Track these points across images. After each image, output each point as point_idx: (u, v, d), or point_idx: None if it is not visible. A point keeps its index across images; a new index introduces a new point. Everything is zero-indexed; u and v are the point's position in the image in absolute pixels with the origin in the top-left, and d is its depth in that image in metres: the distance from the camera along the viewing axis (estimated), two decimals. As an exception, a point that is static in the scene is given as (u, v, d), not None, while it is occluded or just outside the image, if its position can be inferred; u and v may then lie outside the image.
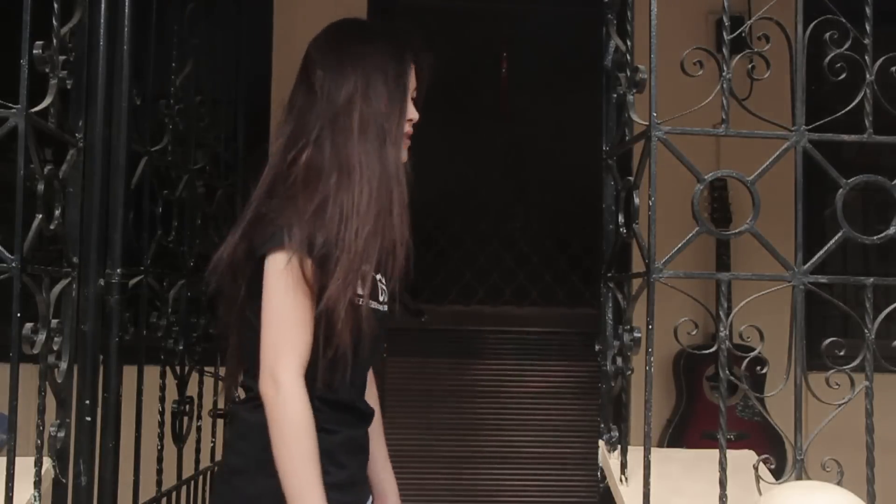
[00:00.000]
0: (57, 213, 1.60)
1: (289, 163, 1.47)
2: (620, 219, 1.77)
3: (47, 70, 1.56)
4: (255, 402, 1.40)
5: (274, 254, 1.38)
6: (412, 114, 1.56)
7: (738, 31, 1.63)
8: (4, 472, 1.46)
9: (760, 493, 1.56)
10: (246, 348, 1.46)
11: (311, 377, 1.38)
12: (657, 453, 1.63)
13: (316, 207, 1.41)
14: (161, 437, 2.06)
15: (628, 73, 1.71)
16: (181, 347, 2.13)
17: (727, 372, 1.59)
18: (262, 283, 1.39)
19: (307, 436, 1.34)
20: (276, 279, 1.38)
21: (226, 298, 1.49)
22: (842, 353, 1.63)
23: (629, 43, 1.73)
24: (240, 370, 1.52)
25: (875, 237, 1.64)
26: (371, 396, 1.60)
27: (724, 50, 1.62)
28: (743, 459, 1.65)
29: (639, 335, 1.70)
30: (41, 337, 1.54)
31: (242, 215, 1.48)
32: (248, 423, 1.43)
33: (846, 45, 1.63)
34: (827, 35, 1.64)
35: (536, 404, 3.53)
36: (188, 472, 2.24)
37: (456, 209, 3.64)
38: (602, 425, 1.84)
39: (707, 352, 1.64)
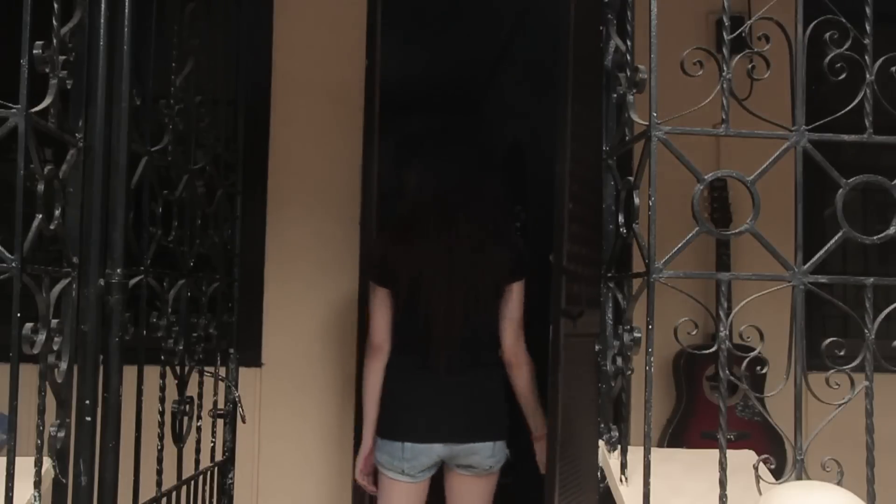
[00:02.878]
0: (57, 213, 1.60)
1: None
2: (620, 219, 1.77)
3: (47, 70, 1.56)
4: (497, 359, 2.55)
5: None
6: None
7: (738, 31, 1.63)
8: (4, 472, 1.46)
9: (760, 493, 1.56)
10: (492, 330, 2.54)
11: None
12: (657, 453, 1.63)
13: None
14: (161, 437, 2.06)
15: (628, 73, 1.71)
16: (181, 347, 2.13)
17: (727, 372, 1.59)
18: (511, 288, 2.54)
19: None
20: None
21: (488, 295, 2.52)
22: (842, 353, 1.63)
23: (629, 43, 1.73)
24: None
25: (875, 237, 1.64)
26: None
27: (724, 50, 1.62)
28: (743, 459, 1.65)
29: (639, 335, 1.70)
30: (41, 337, 1.54)
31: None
32: (499, 373, 2.56)
33: (846, 45, 1.63)
34: (827, 35, 1.63)
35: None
36: (188, 472, 2.24)
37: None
38: (602, 425, 1.84)
39: (707, 352, 1.64)
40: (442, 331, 2.49)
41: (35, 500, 1.54)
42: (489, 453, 2.52)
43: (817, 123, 1.62)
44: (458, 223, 2.54)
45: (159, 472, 2.06)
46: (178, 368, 2.15)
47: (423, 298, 2.50)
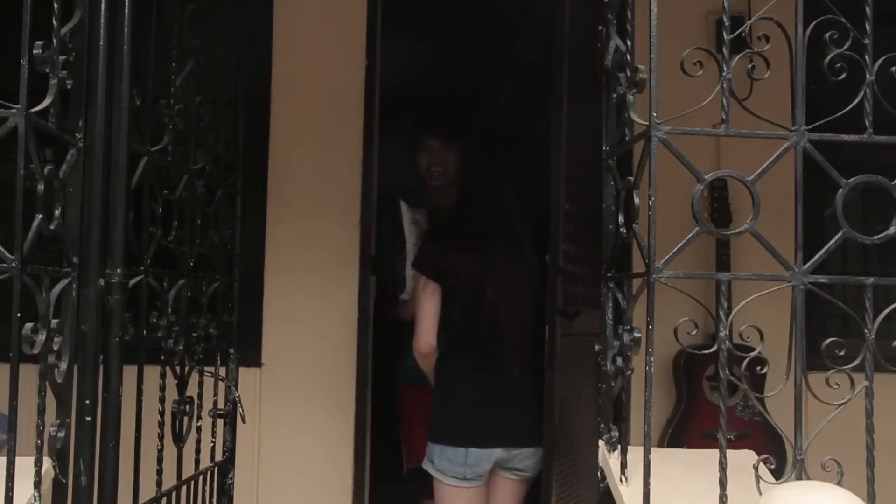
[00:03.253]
0: (57, 213, 1.60)
1: None
2: (620, 219, 1.77)
3: (47, 70, 1.55)
4: (542, 363, 2.41)
5: None
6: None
7: (738, 31, 1.63)
8: (4, 472, 1.46)
9: (760, 493, 1.56)
10: (541, 332, 2.45)
11: None
12: (657, 453, 1.63)
13: None
14: (161, 437, 2.06)
15: (628, 73, 1.71)
16: (181, 347, 2.13)
17: (727, 372, 1.59)
18: None
19: None
20: None
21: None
22: (842, 353, 1.63)
23: (629, 43, 1.73)
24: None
25: (875, 237, 1.64)
26: None
27: (724, 50, 1.62)
28: (743, 459, 1.65)
29: (639, 335, 1.70)
30: (41, 337, 1.53)
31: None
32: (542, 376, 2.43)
33: (846, 45, 1.63)
34: (827, 35, 1.63)
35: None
36: (188, 472, 2.24)
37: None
38: (602, 425, 1.84)
39: (707, 352, 1.64)
40: (513, 335, 2.54)
41: (35, 500, 1.54)
42: (540, 457, 2.52)
43: (817, 123, 1.62)
44: (515, 226, 2.61)
45: (159, 472, 2.05)
46: (178, 368, 2.14)
47: (489, 302, 2.54)
